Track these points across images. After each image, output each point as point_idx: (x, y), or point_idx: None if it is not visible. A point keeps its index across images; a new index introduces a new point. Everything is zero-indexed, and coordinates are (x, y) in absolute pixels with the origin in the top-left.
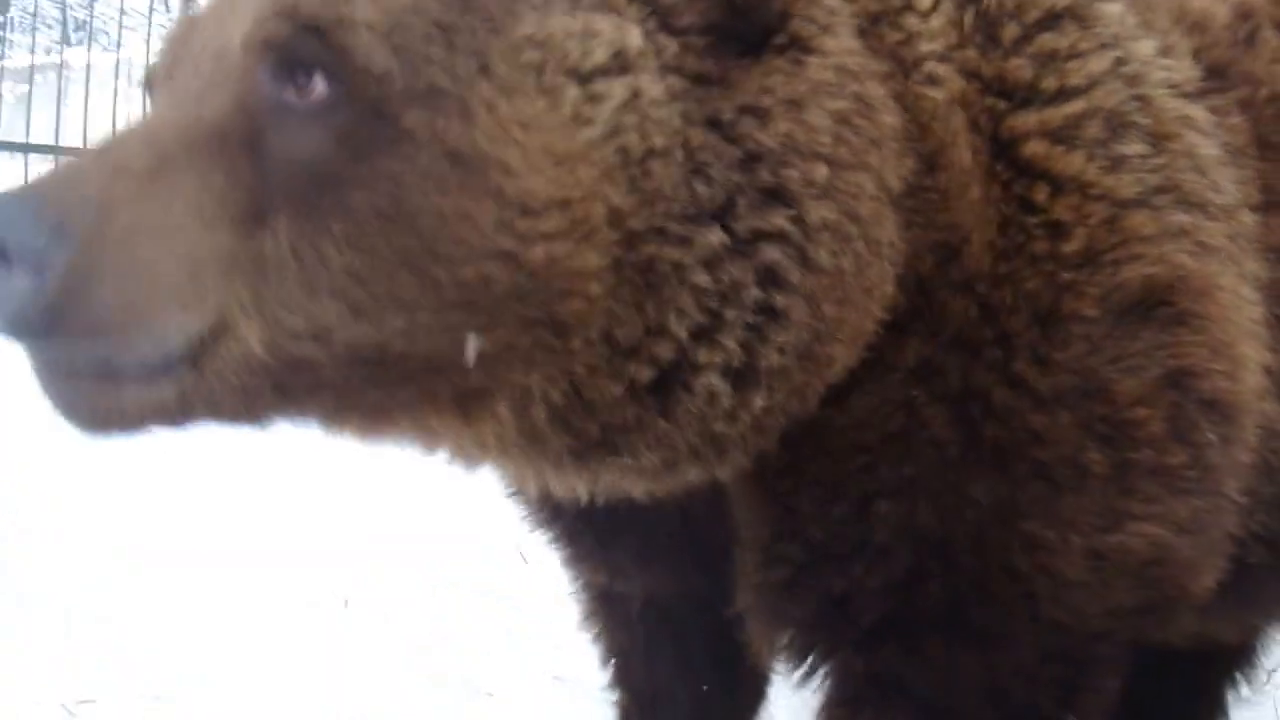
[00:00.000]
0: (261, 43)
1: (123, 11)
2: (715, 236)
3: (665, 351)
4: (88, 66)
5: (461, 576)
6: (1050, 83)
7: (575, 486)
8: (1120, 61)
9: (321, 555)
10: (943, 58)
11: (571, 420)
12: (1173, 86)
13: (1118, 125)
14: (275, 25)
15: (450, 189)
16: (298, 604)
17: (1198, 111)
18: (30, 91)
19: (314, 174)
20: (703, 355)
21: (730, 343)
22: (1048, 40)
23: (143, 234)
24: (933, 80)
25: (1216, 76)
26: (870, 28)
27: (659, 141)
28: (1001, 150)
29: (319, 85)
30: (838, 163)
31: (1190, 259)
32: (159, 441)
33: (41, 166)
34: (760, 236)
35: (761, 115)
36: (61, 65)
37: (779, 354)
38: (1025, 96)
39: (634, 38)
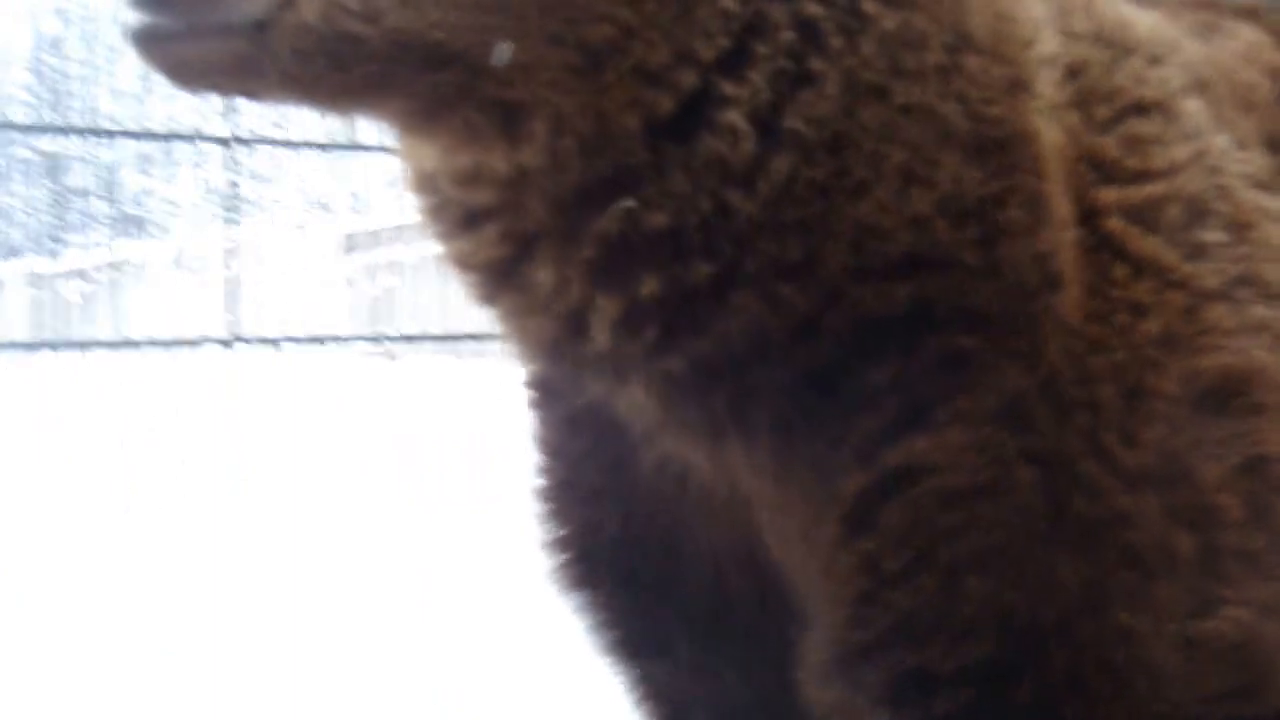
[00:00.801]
0: None
1: (171, 204)
2: None
3: (689, 80)
4: (142, 262)
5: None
6: (1134, 163)
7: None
8: (1201, 152)
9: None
10: (1052, 108)
11: (594, 154)
12: (1248, 178)
13: (1198, 211)
14: None
15: None
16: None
17: (1273, 203)
18: (90, 289)
19: None
20: (728, 87)
21: (757, 78)
22: (1135, 125)
23: None
24: (1040, 112)
25: (1276, 152)
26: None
27: None
28: (1086, 219)
29: None
30: None
31: (1268, 353)
32: None
33: (106, 364)
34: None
35: None
36: (117, 262)
37: (805, 124)
38: (1110, 173)
39: None
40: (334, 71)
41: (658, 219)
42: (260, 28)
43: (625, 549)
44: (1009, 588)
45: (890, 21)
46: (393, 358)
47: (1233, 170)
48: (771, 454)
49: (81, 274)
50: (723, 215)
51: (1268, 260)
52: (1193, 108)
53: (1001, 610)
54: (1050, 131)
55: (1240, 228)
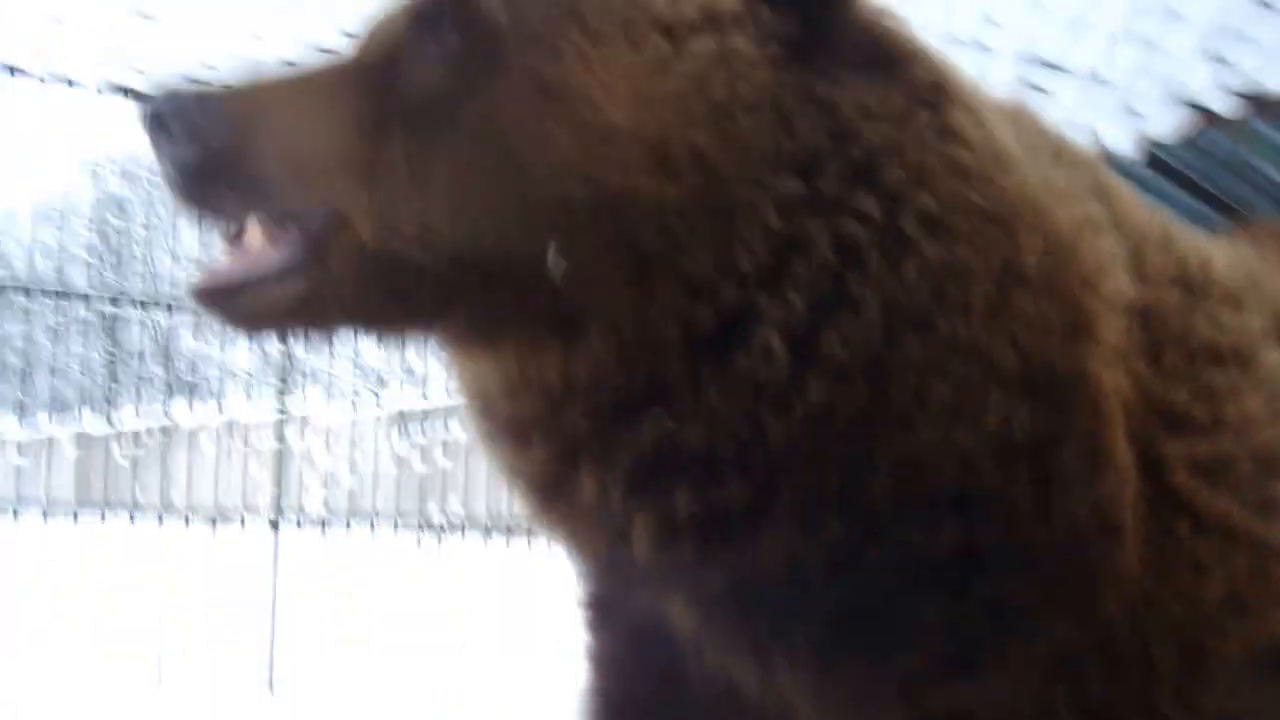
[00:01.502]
0: (414, 7)
1: (225, 370)
2: (794, 185)
3: (730, 294)
4: (194, 428)
5: None
6: (1203, 414)
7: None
8: (1276, 405)
9: None
10: (1117, 354)
11: (635, 366)
12: None
13: (1272, 466)
14: None
15: (539, 115)
16: None
17: None
18: (140, 455)
19: (433, 100)
20: (764, 301)
21: (795, 298)
22: (1208, 374)
23: (287, 130)
24: (1106, 363)
25: None
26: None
27: (747, 95)
28: (1148, 470)
29: (451, 36)
30: (952, 210)
31: None
32: None
33: (152, 530)
34: (842, 207)
35: (871, 117)
36: (168, 426)
37: (843, 348)
38: (1179, 424)
39: (727, 1)
40: (393, 301)
41: (692, 436)
42: (316, 256)
43: None
44: None
45: (932, 249)
46: (441, 539)
47: None
48: (815, 681)
49: (133, 437)
50: (758, 438)
51: None
52: (1274, 358)
53: None
54: (1114, 377)
55: None
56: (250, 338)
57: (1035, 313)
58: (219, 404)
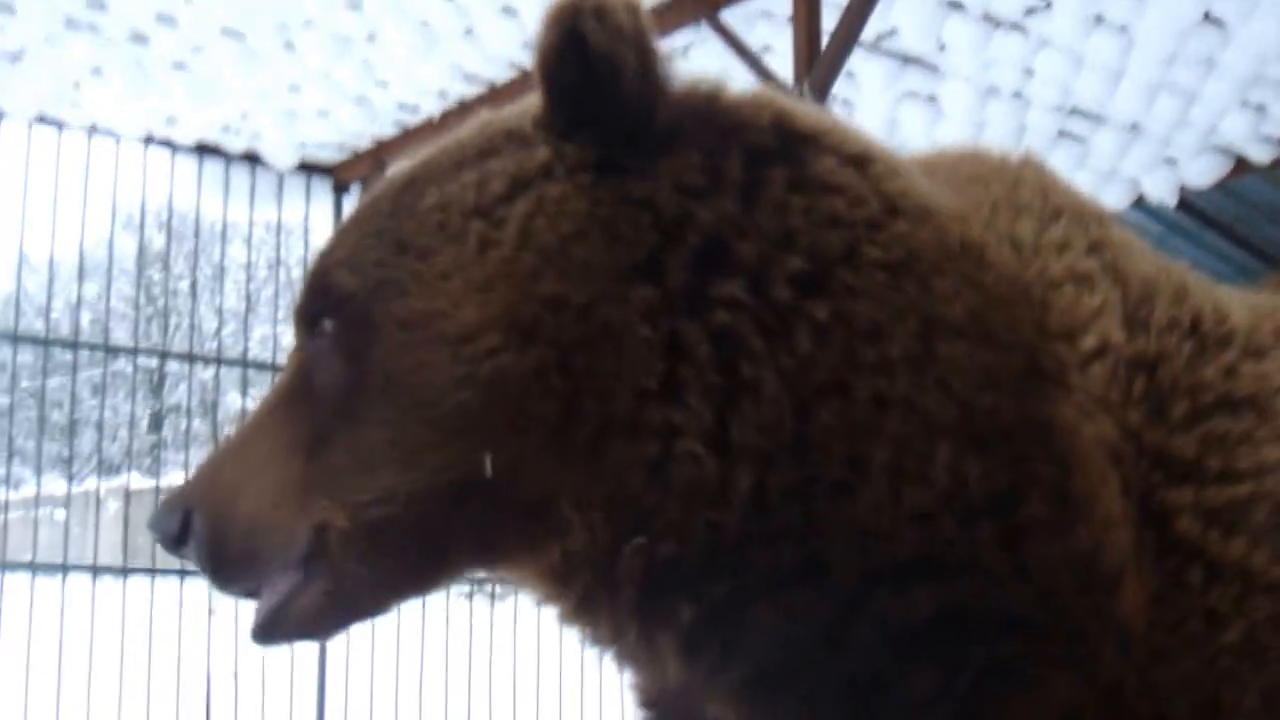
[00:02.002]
0: (297, 314)
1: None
2: (647, 291)
3: (649, 414)
4: None
5: None
6: (1214, 463)
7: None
8: None
9: None
10: (1101, 404)
11: (616, 513)
12: None
13: None
14: (302, 297)
15: (411, 348)
16: None
17: None
18: None
19: (339, 387)
20: (673, 412)
21: (695, 400)
22: (1220, 423)
23: (246, 497)
24: (1084, 413)
25: None
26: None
27: (571, 229)
28: (1151, 521)
29: (328, 323)
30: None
31: None
32: None
33: (197, 588)
34: (700, 297)
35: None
36: None
37: (755, 433)
38: (1184, 473)
39: (538, 156)
40: (398, 560)
41: (666, 548)
42: (314, 564)
43: None
44: None
45: (821, 311)
46: (495, 598)
47: None
48: None
49: None
50: (714, 533)
51: None
52: None
53: None
54: (1098, 426)
55: None
56: (319, 640)
57: (972, 363)
58: None
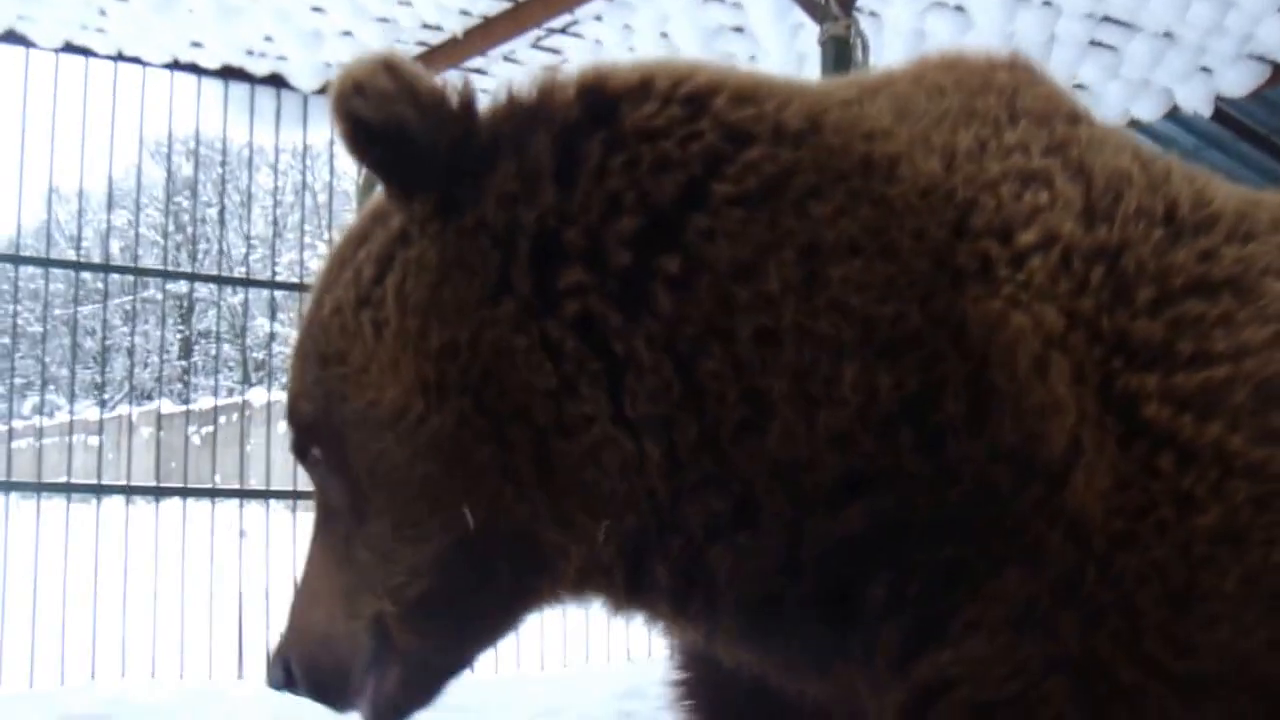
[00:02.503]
0: (295, 453)
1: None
2: (508, 305)
3: (568, 412)
4: (269, 405)
5: None
6: (1186, 347)
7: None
8: None
9: None
10: (1042, 294)
11: (595, 519)
12: None
13: (1275, 395)
14: (289, 438)
15: (368, 444)
16: None
17: None
18: (215, 432)
19: (344, 498)
20: (581, 407)
21: (586, 390)
22: (1193, 306)
23: (317, 617)
24: (1015, 303)
25: None
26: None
27: (434, 278)
28: (1115, 407)
29: (314, 450)
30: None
31: None
32: None
33: (229, 509)
34: (556, 296)
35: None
36: (244, 406)
37: (647, 401)
38: (1150, 358)
39: (394, 227)
40: (440, 623)
41: (629, 523)
42: (382, 656)
43: None
44: None
45: (671, 265)
46: None
47: None
48: (840, 675)
49: (208, 418)
50: (653, 498)
51: None
52: (1278, 288)
53: None
54: (1030, 316)
55: None
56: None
57: (870, 277)
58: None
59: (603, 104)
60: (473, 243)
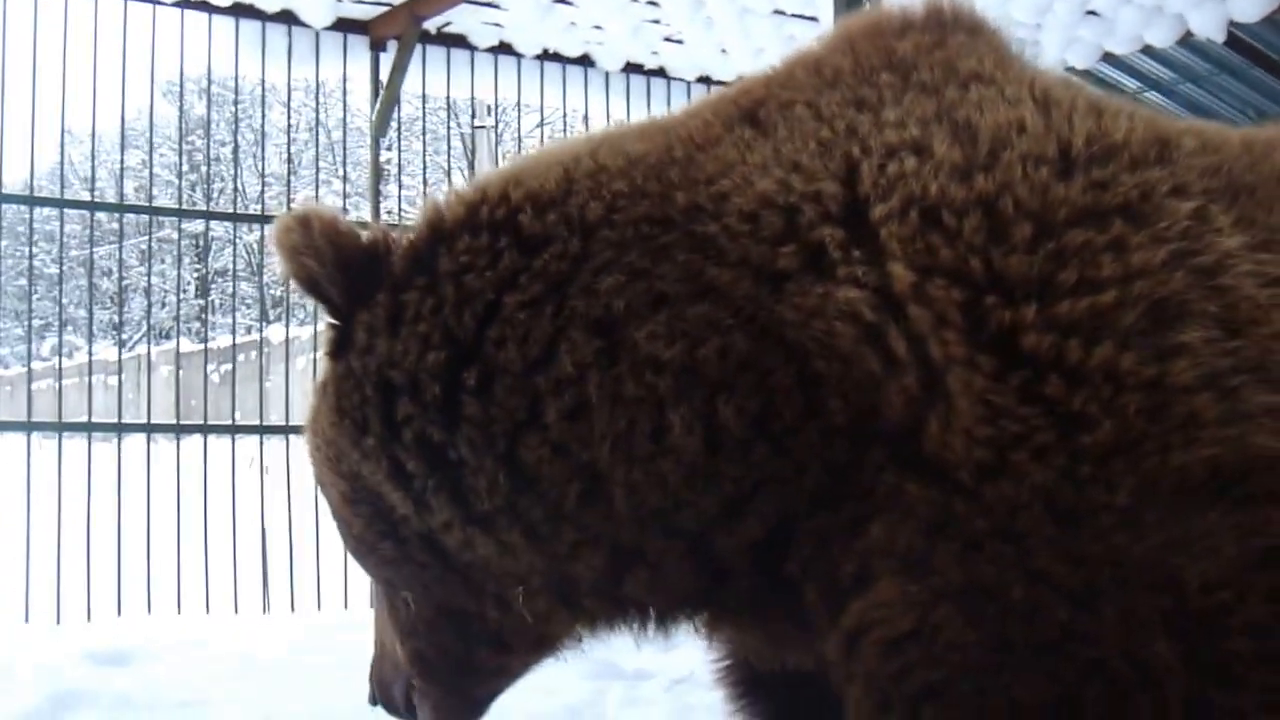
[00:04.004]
0: None
1: None
2: (371, 439)
3: (427, 524)
4: (287, 341)
5: None
6: (1068, 276)
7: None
8: (1184, 254)
9: None
10: (891, 259)
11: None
12: (1262, 277)
13: (1170, 314)
14: None
15: (342, 531)
16: None
17: None
18: (234, 370)
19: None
20: (432, 519)
21: (435, 503)
22: (1077, 236)
23: (385, 669)
24: (842, 281)
25: None
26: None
27: (332, 417)
28: (986, 344)
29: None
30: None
31: (1278, 439)
32: None
33: (249, 445)
34: (391, 425)
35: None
36: (262, 343)
37: (485, 496)
38: (1026, 292)
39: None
40: (438, 674)
41: (535, 583)
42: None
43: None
44: (961, 715)
45: (471, 379)
46: None
47: (1238, 270)
48: (799, 632)
49: (226, 355)
50: (542, 567)
51: (1279, 351)
52: (1183, 208)
53: None
54: (875, 283)
55: (1241, 324)
56: None
57: (680, 326)
58: (312, 319)
59: (427, 251)
60: (345, 384)
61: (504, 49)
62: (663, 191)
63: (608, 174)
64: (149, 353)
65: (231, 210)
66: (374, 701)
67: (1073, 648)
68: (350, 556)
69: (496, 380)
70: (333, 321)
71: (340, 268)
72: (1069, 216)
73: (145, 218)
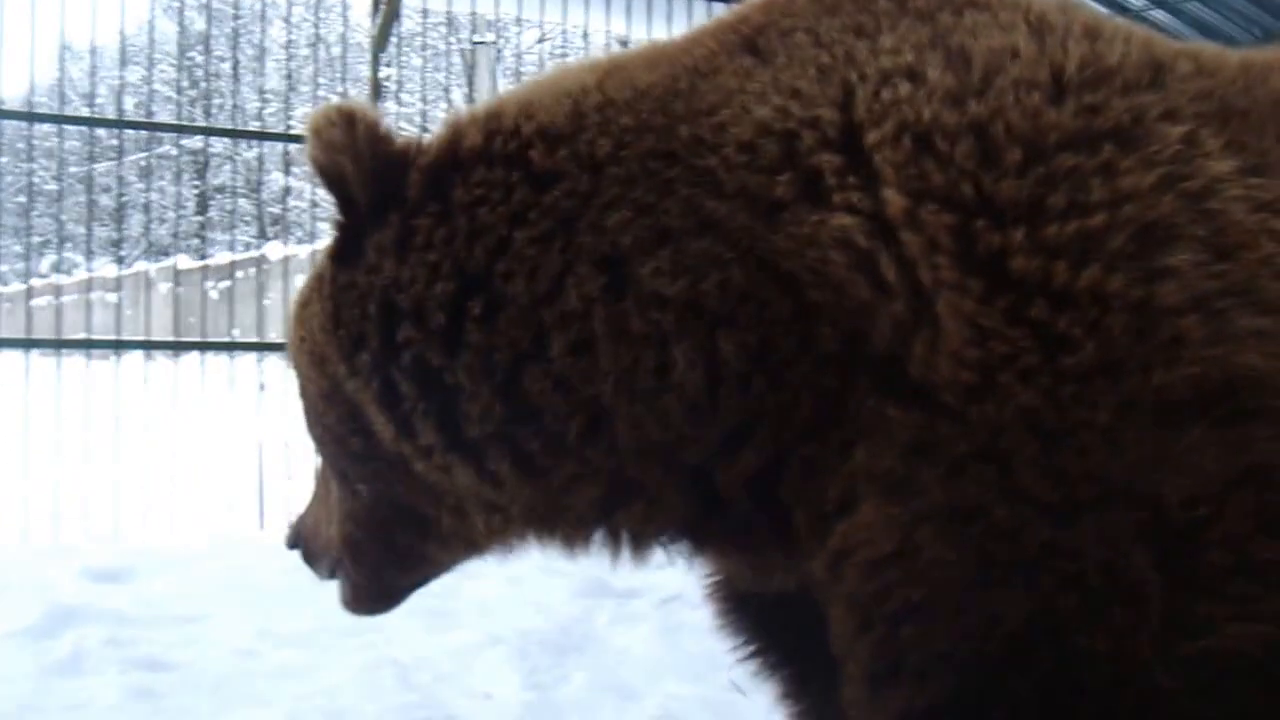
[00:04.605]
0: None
1: (315, 204)
2: (364, 356)
3: (413, 445)
4: (285, 259)
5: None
6: (1058, 200)
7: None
8: (1173, 177)
9: None
10: (885, 184)
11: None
12: (1252, 201)
13: (1158, 238)
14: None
15: (309, 422)
16: None
17: None
18: (232, 287)
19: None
20: (411, 445)
21: (421, 427)
22: (1065, 159)
23: (315, 533)
24: (842, 208)
25: None
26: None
27: (325, 322)
28: (976, 267)
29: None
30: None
31: (1264, 359)
32: None
33: (248, 364)
34: (391, 347)
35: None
36: (261, 260)
37: (477, 423)
38: (1016, 214)
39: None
40: (367, 560)
41: (514, 510)
42: (341, 567)
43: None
44: (941, 631)
45: (476, 307)
46: None
47: (1228, 194)
48: (785, 558)
49: (225, 272)
50: (526, 496)
51: (1267, 275)
52: (1174, 132)
53: (942, 652)
54: (869, 209)
55: (1230, 248)
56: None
57: (684, 261)
58: (310, 237)
59: (442, 179)
60: (346, 295)
61: None
62: (667, 125)
63: (615, 108)
64: (148, 270)
65: (231, 127)
66: (290, 544)
67: (1052, 563)
68: (308, 433)
69: (502, 311)
70: (343, 222)
71: (375, 175)
72: (1059, 141)
73: (144, 134)
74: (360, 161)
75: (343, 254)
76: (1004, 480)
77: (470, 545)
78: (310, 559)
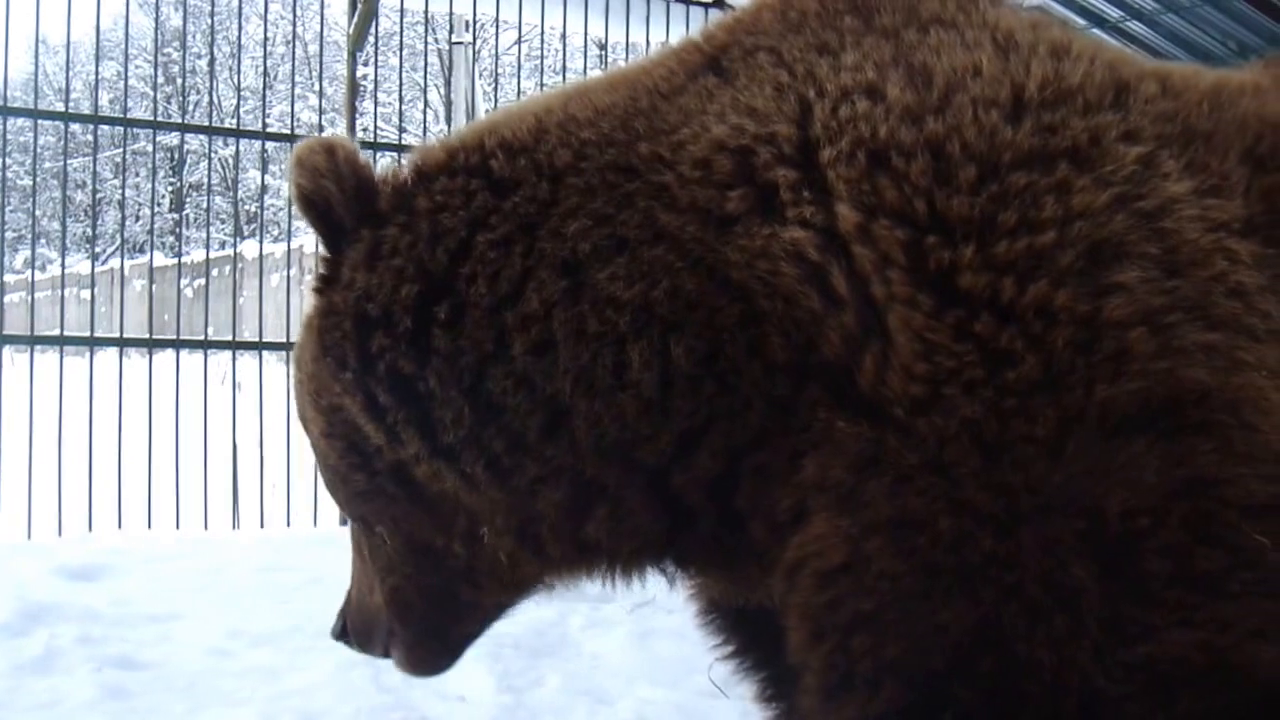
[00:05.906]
0: None
1: (292, 203)
2: (349, 374)
3: (405, 452)
4: (260, 257)
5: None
6: (1009, 217)
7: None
8: (1127, 197)
9: None
10: (838, 200)
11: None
12: (1207, 221)
13: (1108, 255)
14: None
15: (321, 465)
16: None
17: (1241, 246)
18: (207, 285)
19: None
20: (403, 451)
21: (406, 435)
22: (1019, 178)
23: (362, 607)
24: (789, 222)
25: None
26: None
27: (315, 350)
28: (926, 283)
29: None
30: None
31: (1211, 374)
32: None
33: (222, 361)
34: (368, 356)
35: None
36: (236, 258)
37: (450, 428)
38: (967, 231)
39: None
40: (413, 615)
41: (500, 523)
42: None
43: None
44: (890, 642)
45: (442, 311)
46: None
47: (1183, 214)
48: (761, 574)
49: (200, 270)
50: (505, 502)
51: (1219, 294)
52: (1131, 152)
53: (889, 662)
54: (821, 223)
55: (1181, 265)
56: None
57: (637, 270)
58: (285, 236)
59: (406, 192)
60: (328, 320)
61: None
62: (628, 141)
63: (576, 123)
64: (122, 266)
65: (207, 124)
66: (337, 635)
67: (993, 573)
68: (326, 490)
69: (466, 314)
70: (326, 255)
71: (357, 197)
72: (1014, 159)
73: (120, 130)
74: (343, 183)
75: (324, 283)
76: (949, 491)
77: (496, 580)
78: (361, 639)
